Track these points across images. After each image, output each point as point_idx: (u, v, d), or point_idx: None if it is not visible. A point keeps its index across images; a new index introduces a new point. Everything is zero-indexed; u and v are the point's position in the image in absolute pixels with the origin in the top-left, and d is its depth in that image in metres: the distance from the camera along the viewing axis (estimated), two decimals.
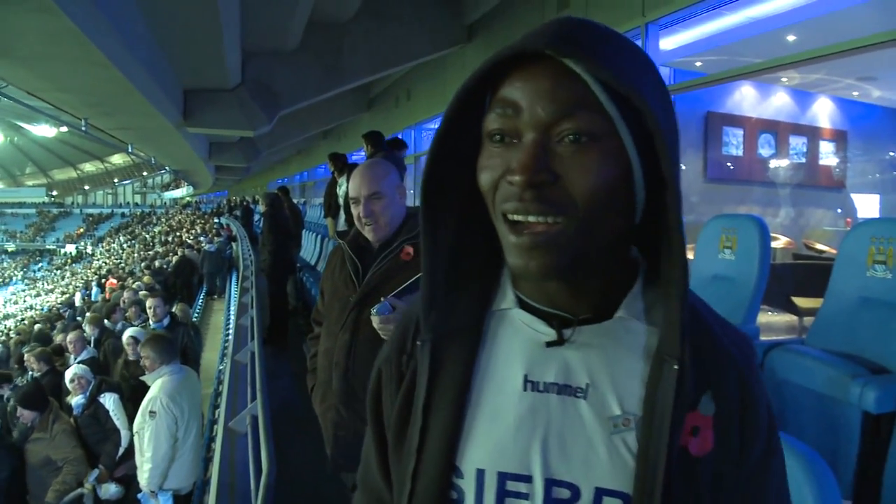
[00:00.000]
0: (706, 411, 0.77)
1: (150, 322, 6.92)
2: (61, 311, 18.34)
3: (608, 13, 7.22)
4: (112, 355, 7.30)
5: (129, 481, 5.36)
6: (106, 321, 8.67)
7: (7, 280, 56.49)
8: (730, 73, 6.39)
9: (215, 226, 23.81)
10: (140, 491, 4.72)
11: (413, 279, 2.21)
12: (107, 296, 15.20)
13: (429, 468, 0.82)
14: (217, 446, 4.18)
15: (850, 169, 10.10)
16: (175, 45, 9.69)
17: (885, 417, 2.52)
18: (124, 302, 9.65)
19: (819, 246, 8.81)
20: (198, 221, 31.66)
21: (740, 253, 3.48)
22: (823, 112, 9.88)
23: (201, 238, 18.52)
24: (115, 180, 65.86)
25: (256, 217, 19.82)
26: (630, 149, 0.73)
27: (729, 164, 9.58)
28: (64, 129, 17.94)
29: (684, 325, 0.74)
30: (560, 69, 0.71)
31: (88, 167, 67.49)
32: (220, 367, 7.26)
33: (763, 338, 3.51)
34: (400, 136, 9.54)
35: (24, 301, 42.82)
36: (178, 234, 29.86)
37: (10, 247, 65.18)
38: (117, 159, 59.60)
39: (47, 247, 64.29)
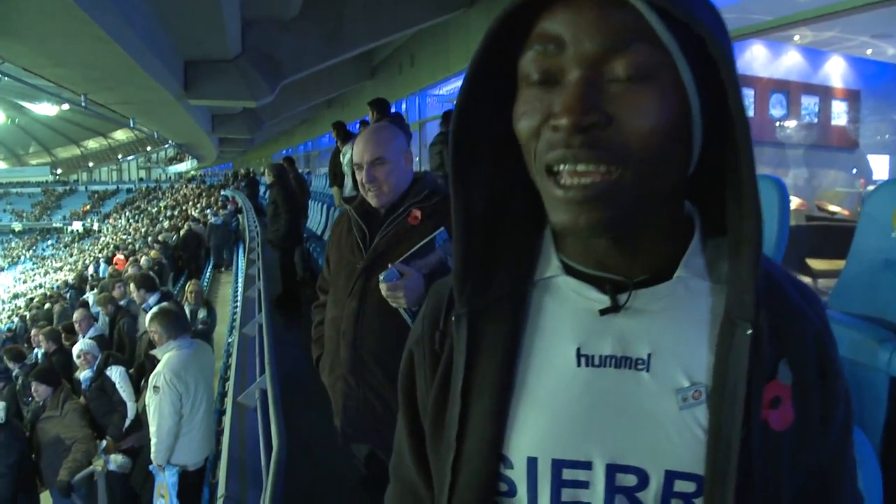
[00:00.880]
0: (785, 380, 0.68)
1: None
2: (63, 292, 18.33)
3: None
4: (127, 334, 7.29)
5: (136, 453, 5.37)
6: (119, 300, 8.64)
7: (16, 259, 56.71)
8: (740, 31, 6.23)
9: (221, 199, 23.75)
10: (151, 463, 4.72)
11: (422, 243, 2.11)
12: (119, 268, 15.20)
13: (472, 459, 0.73)
14: (227, 421, 4.15)
15: (864, 129, 9.92)
16: (174, 15, 9.56)
17: None
18: (128, 278, 9.64)
19: (832, 207, 8.69)
20: (203, 195, 31.62)
21: None
22: (836, 71, 9.68)
23: (207, 211, 18.46)
24: (119, 156, 65.54)
25: (262, 189, 19.76)
26: (689, 85, 0.64)
27: None
28: (66, 106, 17.83)
29: (758, 284, 0.64)
30: None
31: (92, 144, 67.24)
32: (229, 340, 7.23)
33: None
34: (399, 111, 9.40)
35: (34, 280, 43.06)
36: (183, 207, 29.85)
37: (17, 226, 65.31)
38: (120, 135, 59.31)
39: (54, 225, 64.37)
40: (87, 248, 45.56)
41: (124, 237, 34.93)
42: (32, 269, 49.60)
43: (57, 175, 72.99)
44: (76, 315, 7.55)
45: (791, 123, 9.27)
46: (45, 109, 25.10)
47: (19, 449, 5.48)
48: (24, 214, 67.22)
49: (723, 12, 0.66)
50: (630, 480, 0.68)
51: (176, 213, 29.78)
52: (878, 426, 2.53)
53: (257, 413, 3.85)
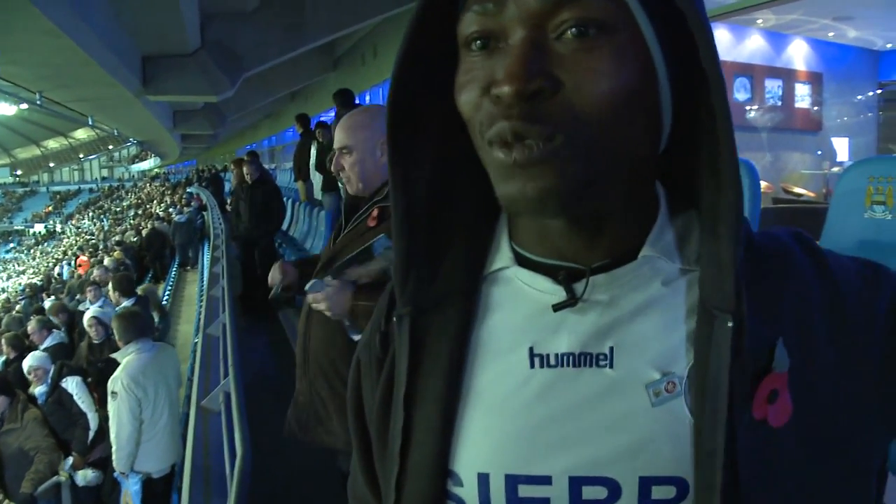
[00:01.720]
0: (781, 368, 0.58)
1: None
2: (14, 301, 17.81)
3: None
4: (80, 338, 7.10)
5: (105, 463, 5.21)
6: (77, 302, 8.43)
7: None
8: None
9: (185, 196, 23.44)
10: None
11: (359, 249, 1.97)
12: (82, 270, 14.90)
13: (417, 475, 0.65)
14: (190, 427, 4.02)
15: (826, 111, 10.00)
16: (130, 9, 9.40)
17: None
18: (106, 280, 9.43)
19: (797, 189, 8.77)
20: (167, 193, 31.14)
21: None
22: (799, 54, 9.72)
23: (171, 210, 18.19)
24: (81, 155, 64.40)
25: (228, 186, 19.53)
26: (652, 44, 0.55)
27: None
28: (24, 106, 17.43)
29: (738, 269, 0.55)
30: None
31: (52, 144, 65.90)
32: (196, 341, 7.07)
33: None
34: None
35: None
36: (147, 206, 29.39)
37: None
38: (81, 134, 58.17)
39: (15, 228, 63.11)
40: (50, 250, 44.72)
41: (88, 238, 34.33)
42: None
43: (17, 176, 71.69)
44: (30, 326, 7.32)
45: (755, 107, 9.30)
46: (3, 109, 24.44)
47: None
48: None
49: None
50: (599, 493, 0.58)
51: (140, 212, 29.32)
52: None
53: (221, 418, 3.73)
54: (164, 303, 9.85)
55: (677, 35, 0.55)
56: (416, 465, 0.65)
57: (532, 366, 0.62)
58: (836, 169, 9.09)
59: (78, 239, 37.50)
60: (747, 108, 9.25)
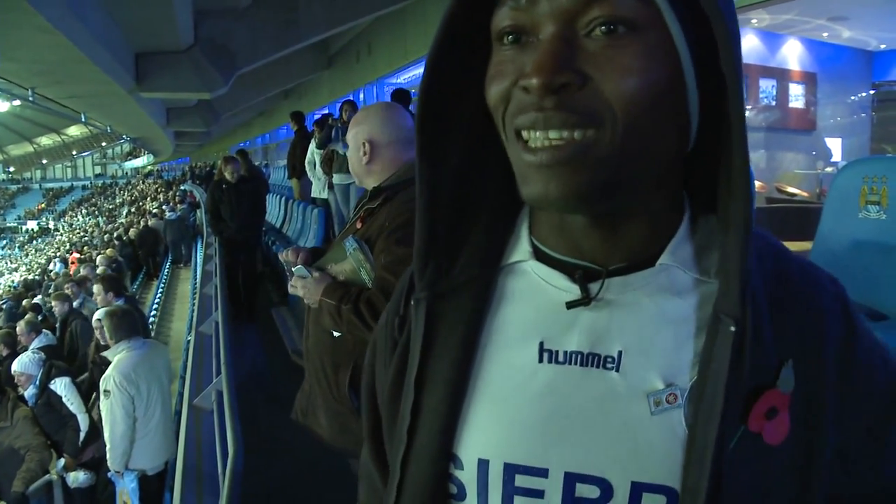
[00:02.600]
0: (785, 387, 0.59)
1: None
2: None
3: None
4: (80, 338, 7.01)
5: (97, 464, 5.19)
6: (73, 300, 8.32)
7: None
8: None
9: (178, 193, 23.39)
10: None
11: (334, 248, 1.98)
12: (70, 271, 14.80)
13: (421, 456, 0.67)
14: (182, 425, 4.01)
15: (821, 111, 10.02)
16: (123, 6, 9.38)
17: None
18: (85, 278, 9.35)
19: (791, 189, 8.78)
20: (161, 190, 31.07)
21: None
22: (793, 54, 9.73)
23: (164, 207, 18.14)
24: (74, 152, 64.16)
25: None
26: (680, 43, 0.56)
27: None
28: (17, 102, 17.35)
29: (745, 274, 0.56)
30: None
31: (45, 140, 65.65)
32: (188, 339, 7.05)
33: None
34: (405, 88, 9.09)
35: None
36: (141, 204, 29.32)
37: None
38: (74, 131, 57.97)
39: (8, 225, 62.91)
40: (43, 247, 44.60)
41: (81, 235, 34.24)
42: None
43: (10, 173, 71.44)
44: (18, 328, 7.26)
45: (749, 106, 9.31)
46: None
47: None
48: None
49: None
50: (591, 492, 0.60)
51: (134, 209, 29.24)
52: None
53: (214, 417, 3.72)
54: (157, 300, 9.81)
55: (708, 39, 0.56)
56: (421, 447, 0.67)
57: (541, 360, 0.64)
58: (829, 169, 9.11)
59: (71, 236, 37.41)
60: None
